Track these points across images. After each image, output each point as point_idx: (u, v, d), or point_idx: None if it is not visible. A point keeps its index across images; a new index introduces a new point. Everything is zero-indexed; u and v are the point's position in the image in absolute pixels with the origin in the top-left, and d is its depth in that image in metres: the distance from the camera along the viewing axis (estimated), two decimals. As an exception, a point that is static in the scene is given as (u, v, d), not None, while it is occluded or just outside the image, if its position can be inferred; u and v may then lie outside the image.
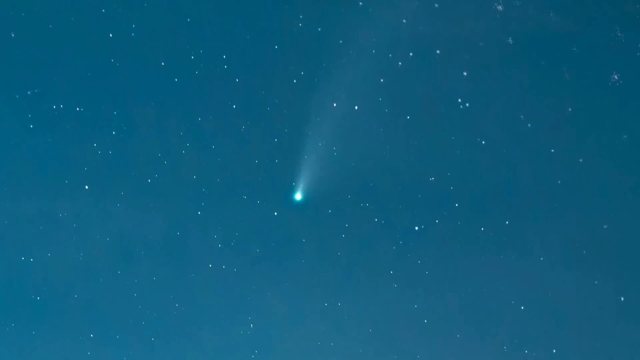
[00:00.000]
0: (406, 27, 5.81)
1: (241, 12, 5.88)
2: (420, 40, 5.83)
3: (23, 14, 5.81)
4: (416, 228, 5.91)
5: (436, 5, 5.83)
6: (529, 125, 5.82)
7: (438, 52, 5.84)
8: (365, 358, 6.09)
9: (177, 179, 5.92)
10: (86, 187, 5.88)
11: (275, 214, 5.94)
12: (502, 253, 5.86)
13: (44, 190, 5.88)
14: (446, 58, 5.84)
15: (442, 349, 6.06)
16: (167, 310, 5.95)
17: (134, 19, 5.84)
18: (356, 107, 5.87)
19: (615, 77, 5.74)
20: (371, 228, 5.93)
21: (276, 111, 5.89)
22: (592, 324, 5.87)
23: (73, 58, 5.83)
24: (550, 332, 5.94)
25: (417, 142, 5.89)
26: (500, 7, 5.83)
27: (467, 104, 5.84)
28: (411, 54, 5.84)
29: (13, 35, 5.81)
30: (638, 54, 5.68)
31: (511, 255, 5.87)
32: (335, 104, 5.86)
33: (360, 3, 5.83)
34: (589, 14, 5.76)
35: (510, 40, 5.81)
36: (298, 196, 5.92)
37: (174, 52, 5.87)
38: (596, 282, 5.80)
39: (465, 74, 5.83)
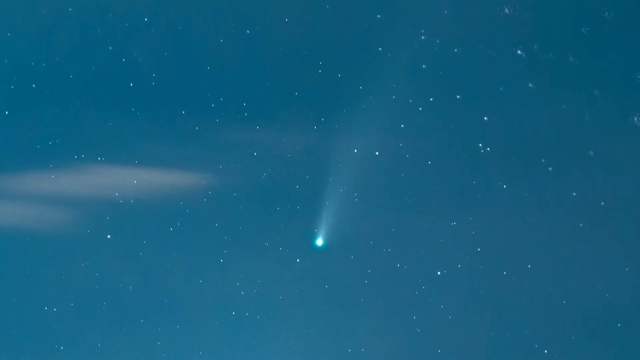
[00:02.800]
0: (426, 72, 5.84)
1: (261, 59, 5.91)
2: (440, 85, 5.85)
3: (44, 64, 5.86)
4: (438, 273, 5.90)
5: (456, 50, 5.86)
6: (550, 169, 5.83)
7: (458, 97, 5.86)
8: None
9: (199, 227, 5.93)
10: (108, 236, 5.89)
11: (298, 260, 5.93)
12: (525, 297, 5.84)
13: (66, 240, 5.88)
14: (467, 103, 5.86)
15: (466, 393, 6.05)
16: (190, 359, 5.94)
17: (153, 68, 5.86)
18: (377, 153, 5.88)
19: (636, 120, 5.75)
20: (393, 273, 5.92)
21: (297, 158, 5.90)
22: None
23: (94, 108, 5.86)
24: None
25: (438, 187, 5.90)
26: (520, 52, 5.85)
27: (488, 149, 5.85)
28: (431, 99, 5.85)
29: (34, 86, 5.85)
30: (659, 98, 5.71)
31: (534, 299, 5.85)
32: (355, 150, 5.87)
33: (380, 49, 5.85)
34: (610, 58, 5.78)
35: (530, 85, 5.83)
36: (319, 242, 5.92)
37: (194, 100, 5.90)
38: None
39: (485, 118, 5.85)
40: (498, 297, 5.87)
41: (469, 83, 5.86)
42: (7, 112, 5.83)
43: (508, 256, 5.88)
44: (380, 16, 5.85)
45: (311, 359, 6.00)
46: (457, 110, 5.85)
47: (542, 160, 5.82)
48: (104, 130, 5.87)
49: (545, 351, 5.88)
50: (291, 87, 5.88)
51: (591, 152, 5.81)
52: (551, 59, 5.82)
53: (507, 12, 5.84)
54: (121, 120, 5.86)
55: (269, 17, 5.84)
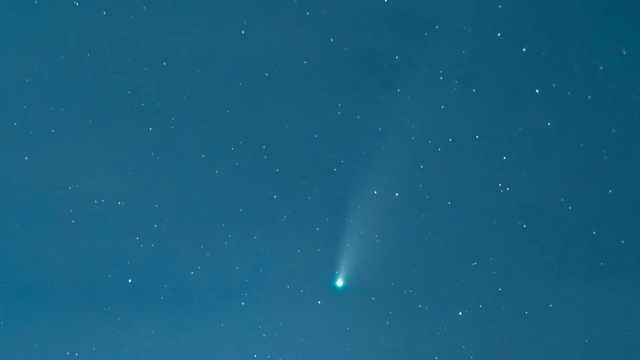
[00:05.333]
0: (445, 112, 5.85)
1: (280, 102, 5.92)
2: (459, 125, 5.86)
3: (62, 110, 5.86)
4: (460, 313, 5.90)
5: (474, 90, 5.87)
6: (569, 207, 5.84)
7: (477, 137, 5.87)
8: None
9: (220, 270, 5.93)
10: (129, 280, 5.89)
11: (319, 302, 5.93)
12: (547, 336, 5.84)
13: (85, 286, 5.89)
14: (486, 143, 5.87)
15: None
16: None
17: (172, 112, 5.88)
18: (397, 194, 5.89)
19: (655, 158, 5.77)
20: (415, 314, 5.92)
21: (317, 200, 5.91)
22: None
23: (113, 152, 5.87)
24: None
25: (458, 227, 5.91)
26: (538, 91, 5.85)
27: (508, 188, 5.86)
28: (450, 139, 5.87)
29: (53, 130, 5.85)
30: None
31: (556, 339, 5.85)
32: (375, 192, 5.88)
33: (398, 90, 5.87)
34: (628, 96, 5.79)
35: (549, 124, 5.84)
36: (340, 283, 5.92)
37: (214, 143, 5.91)
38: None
39: (505, 158, 5.86)
40: (519, 338, 5.88)
41: (487, 123, 5.87)
42: (26, 158, 5.84)
43: (529, 296, 5.88)
44: (398, 57, 5.87)
45: (334, 402, 6.02)
46: (476, 151, 5.87)
47: (562, 199, 5.84)
48: (123, 174, 5.88)
49: (568, 390, 5.90)
50: (310, 129, 5.89)
51: (610, 191, 5.82)
52: (569, 98, 5.83)
53: (525, 51, 5.85)
54: (140, 165, 5.88)
55: (288, 59, 5.86)
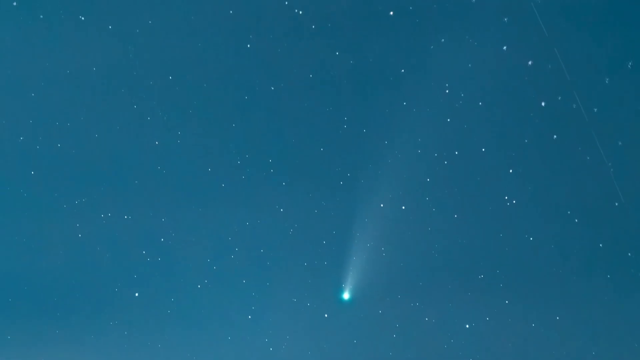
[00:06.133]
0: (451, 125, 5.85)
1: (286, 115, 5.93)
2: (465, 138, 5.87)
3: (69, 124, 5.86)
4: (467, 326, 5.92)
5: (480, 103, 5.87)
6: (576, 220, 5.85)
7: (483, 150, 5.88)
8: None
9: (226, 284, 5.94)
10: (136, 294, 5.89)
11: (326, 315, 5.95)
12: (555, 350, 5.86)
13: (91, 300, 5.89)
14: (492, 156, 5.88)
15: None
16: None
17: (179, 126, 5.88)
18: (403, 207, 5.89)
19: (661, 171, 5.78)
20: (422, 327, 5.94)
21: (324, 213, 5.92)
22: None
23: (120, 167, 5.88)
24: None
25: (465, 240, 5.92)
26: (544, 104, 5.86)
27: (514, 201, 5.87)
28: (457, 152, 5.87)
29: (59, 145, 5.85)
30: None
31: (562, 351, 5.87)
32: (382, 205, 5.88)
33: (404, 103, 5.87)
34: (634, 109, 5.80)
35: (555, 136, 5.85)
36: (346, 296, 5.93)
37: (220, 157, 5.91)
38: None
39: (511, 171, 5.86)
40: (526, 350, 5.89)
41: (493, 136, 5.88)
42: (32, 172, 5.84)
43: (536, 308, 5.89)
44: (404, 71, 5.87)
45: (341, 414, 6.02)
46: (482, 163, 5.88)
47: (568, 212, 5.84)
48: (129, 188, 5.88)
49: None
50: (317, 142, 5.90)
51: (616, 203, 5.83)
52: (575, 111, 5.84)
53: (530, 64, 5.86)
54: (147, 179, 5.88)
55: (294, 73, 5.86)
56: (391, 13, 5.80)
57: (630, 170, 5.82)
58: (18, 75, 5.75)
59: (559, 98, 5.83)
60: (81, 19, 5.74)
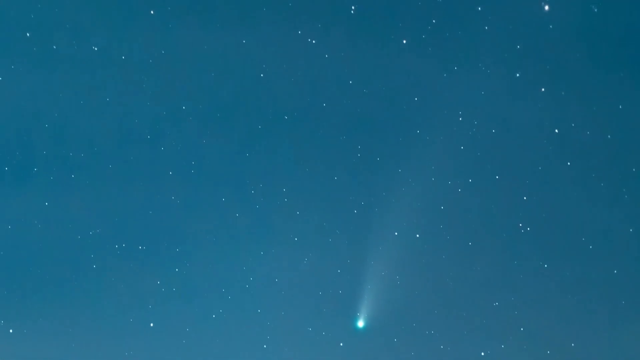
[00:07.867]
0: (464, 153, 5.86)
1: (300, 144, 5.93)
2: (479, 166, 5.87)
3: (82, 155, 5.87)
4: (482, 354, 5.91)
5: (493, 130, 5.88)
6: (590, 247, 5.85)
7: (497, 177, 5.88)
8: None
9: (241, 314, 5.93)
10: (151, 324, 5.89)
11: (341, 344, 5.94)
12: (570, 376, 5.86)
13: (107, 331, 5.89)
14: (506, 183, 5.88)
15: None
16: None
17: (192, 156, 5.89)
18: (417, 235, 5.90)
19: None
20: (438, 355, 5.92)
21: (338, 242, 5.93)
22: None
23: (134, 197, 5.88)
24: None
25: (480, 267, 5.92)
26: (557, 131, 5.86)
27: (528, 228, 5.87)
28: (470, 180, 5.87)
29: (73, 176, 5.86)
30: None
31: (579, 378, 5.87)
32: (396, 233, 5.88)
33: (418, 131, 5.88)
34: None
35: (568, 163, 5.84)
36: (361, 324, 5.92)
37: (234, 187, 5.92)
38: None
39: (525, 198, 5.86)
40: (542, 377, 5.89)
41: (507, 163, 5.88)
42: (47, 204, 5.85)
43: (551, 335, 5.88)
44: (418, 99, 5.88)
45: None
46: (496, 191, 5.88)
47: (583, 239, 5.85)
48: (143, 218, 5.90)
49: None
50: (331, 171, 5.90)
51: (631, 229, 5.83)
52: (589, 137, 5.84)
53: (544, 91, 5.86)
54: (161, 210, 5.89)
55: (307, 102, 5.88)
56: (404, 41, 5.81)
57: (646, 196, 5.82)
58: (30, 105, 5.78)
59: (572, 125, 5.84)
60: (94, 49, 5.77)
